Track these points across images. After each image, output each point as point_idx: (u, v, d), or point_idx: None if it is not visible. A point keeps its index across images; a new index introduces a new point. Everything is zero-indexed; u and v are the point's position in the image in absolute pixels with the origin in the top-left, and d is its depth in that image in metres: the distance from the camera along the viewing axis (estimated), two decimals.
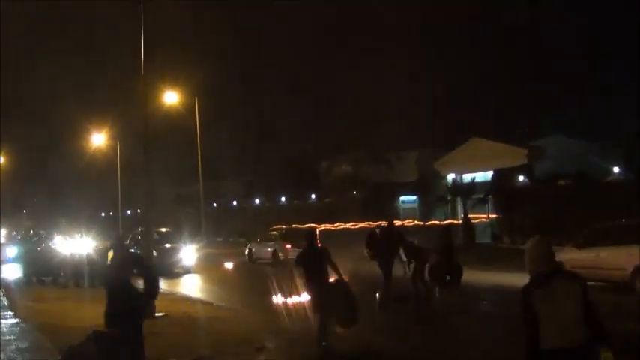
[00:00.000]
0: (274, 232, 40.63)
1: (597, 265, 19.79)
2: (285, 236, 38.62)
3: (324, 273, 12.73)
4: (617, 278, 19.23)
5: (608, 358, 5.85)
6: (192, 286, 25.51)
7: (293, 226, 47.52)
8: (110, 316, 9.57)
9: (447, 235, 21.24)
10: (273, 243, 38.58)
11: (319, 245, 13.46)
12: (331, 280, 12.80)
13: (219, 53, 76.83)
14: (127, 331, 9.31)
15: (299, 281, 13.22)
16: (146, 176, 19.44)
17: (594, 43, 72.74)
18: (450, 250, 20.25)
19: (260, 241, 40.57)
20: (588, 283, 6.14)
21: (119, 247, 11.31)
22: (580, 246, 21.15)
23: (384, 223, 21.77)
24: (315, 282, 12.65)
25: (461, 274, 20.09)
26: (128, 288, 9.72)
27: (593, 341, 5.90)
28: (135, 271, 10.31)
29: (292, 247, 34.49)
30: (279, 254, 36.70)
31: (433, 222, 49.13)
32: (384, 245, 19.58)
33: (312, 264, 12.68)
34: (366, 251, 20.42)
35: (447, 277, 19.66)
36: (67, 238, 35.69)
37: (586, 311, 5.93)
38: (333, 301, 12.43)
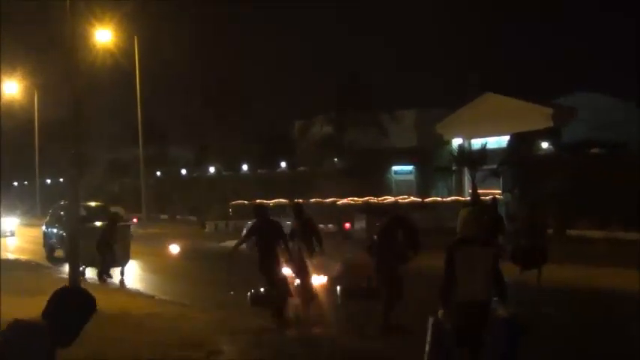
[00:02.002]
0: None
1: None
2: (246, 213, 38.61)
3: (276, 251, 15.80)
4: None
5: (506, 311, 9.04)
6: (129, 276, 25.52)
7: (257, 201, 47.60)
8: None
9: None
10: (233, 223, 38.73)
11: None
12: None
13: None
14: None
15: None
16: (73, 136, 19.35)
17: None
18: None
19: (216, 219, 40.67)
20: None
21: None
22: None
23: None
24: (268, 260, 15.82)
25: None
26: None
27: (498, 298, 9.04)
28: None
29: None
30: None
31: (434, 198, 49.37)
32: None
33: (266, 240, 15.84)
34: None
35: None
36: None
37: (495, 274, 9.05)
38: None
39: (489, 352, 9.16)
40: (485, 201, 44.76)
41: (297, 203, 20.18)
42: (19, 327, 5.55)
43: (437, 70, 64.23)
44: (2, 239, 41.30)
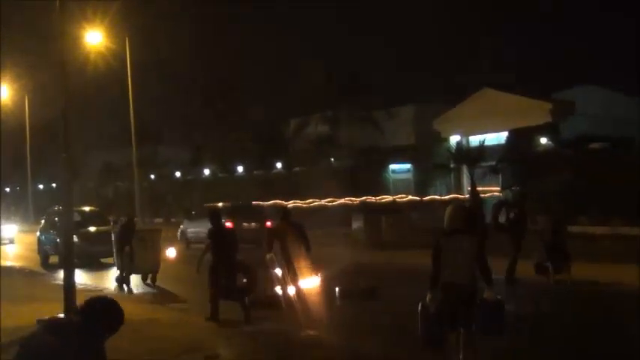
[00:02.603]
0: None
1: None
2: (231, 212, 38.46)
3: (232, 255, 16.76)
4: None
5: (489, 295, 10.57)
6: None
7: (254, 202, 47.59)
8: None
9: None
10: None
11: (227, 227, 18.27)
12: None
13: None
14: None
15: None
16: (65, 139, 19.27)
17: None
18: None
19: (194, 218, 40.49)
20: None
21: None
22: None
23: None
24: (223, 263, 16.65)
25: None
26: None
27: (485, 281, 10.58)
28: None
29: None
30: None
31: (432, 197, 49.35)
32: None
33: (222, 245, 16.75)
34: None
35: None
36: None
37: (479, 261, 10.56)
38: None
39: (478, 329, 10.66)
40: (486, 198, 44.97)
41: (285, 207, 21.28)
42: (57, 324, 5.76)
43: (434, 64, 64.31)
44: (1, 247, 41.21)
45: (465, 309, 10.50)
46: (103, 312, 6.30)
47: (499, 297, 10.93)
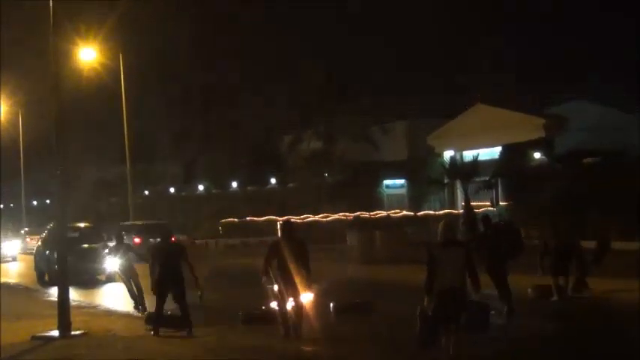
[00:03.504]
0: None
1: None
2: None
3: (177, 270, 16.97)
4: None
5: (478, 297, 12.74)
6: (116, 297, 25.35)
7: (248, 218, 47.59)
8: None
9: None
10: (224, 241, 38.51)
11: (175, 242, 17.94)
12: None
13: (154, 5, 76.07)
14: None
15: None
16: (58, 155, 19.22)
17: None
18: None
19: (206, 237, 40.55)
20: None
21: None
22: None
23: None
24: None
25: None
26: None
27: (473, 286, 12.43)
28: None
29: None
30: None
31: (426, 212, 49.34)
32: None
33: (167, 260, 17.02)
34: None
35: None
36: None
37: (469, 268, 12.29)
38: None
39: (467, 328, 12.42)
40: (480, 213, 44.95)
41: (287, 221, 20.15)
42: None
43: (427, 79, 64.43)
44: (2, 265, 40.90)
45: (457, 307, 12.24)
46: None
47: (486, 301, 13.21)
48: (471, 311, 12.65)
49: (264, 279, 15.84)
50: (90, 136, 70.07)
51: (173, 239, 19.90)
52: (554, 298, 20.16)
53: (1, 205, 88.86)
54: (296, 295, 15.56)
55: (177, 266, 16.98)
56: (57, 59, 18.92)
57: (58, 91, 18.77)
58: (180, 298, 16.89)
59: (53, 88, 18.74)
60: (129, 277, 21.82)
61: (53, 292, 24.65)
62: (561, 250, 20.64)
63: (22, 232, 61.19)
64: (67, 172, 20.33)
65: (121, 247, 22.20)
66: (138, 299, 21.57)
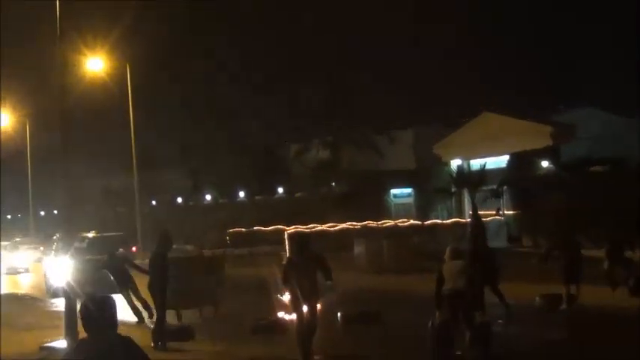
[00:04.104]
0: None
1: None
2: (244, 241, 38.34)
3: None
4: None
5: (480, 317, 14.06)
6: (126, 308, 25.29)
7: (255, 228, 47.54)
8: None
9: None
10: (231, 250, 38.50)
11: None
12: None
13: (160, 16, 76.18)
14: None
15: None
16: (64, 164, 19.23)
17: None
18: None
19: (213, 247, 40.38)
20: None
21: None
22: None
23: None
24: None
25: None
26: None
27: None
28: None
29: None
30: None
31: (434, 221, 49.22)
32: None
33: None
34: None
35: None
36: None
37: (469, 274, 14.19)
38: None
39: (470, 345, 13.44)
40: (487, 222, 44.92)
41: (302, 237, 18.85)
42: None
43: (434, 87, 64.37)
44: (14, 276, 40.74)
45: (465, 307, 13.83)
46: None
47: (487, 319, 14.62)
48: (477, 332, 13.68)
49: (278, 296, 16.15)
50: (97, 146, 70.13)
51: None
52: (564, 306, 20.08)
53: (9, 216, 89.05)
54: (313, 313, 14.98)
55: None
56: (63, 69, 18.96)
57: (64, 101, 18.80)
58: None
59: (59, 98, 18.76)
60: (127, 289, 21.66)
61: (61, 302, 24.66)
62: (571, 258, 20.56)
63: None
64: (72, 181, 20.34)
65: (116, 260, 22.10)
66: (141, 312, 21.43)
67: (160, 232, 18.00)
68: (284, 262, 16.23)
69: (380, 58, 68.71)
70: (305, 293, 14.77)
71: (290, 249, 15.81)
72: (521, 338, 16.94)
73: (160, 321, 17.01)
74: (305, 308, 14.87)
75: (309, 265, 14.97)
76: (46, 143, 50.14)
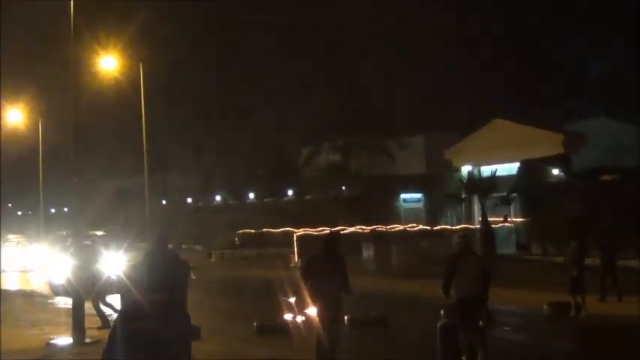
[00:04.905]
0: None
1: None
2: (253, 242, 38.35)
3: None
4: None
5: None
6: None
7: (264, 229, 47.56)
8: None
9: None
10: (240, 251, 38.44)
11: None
12: None
13: (173, 18, 76.34)
14: None
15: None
16: (75, 163, 19.27)
17: None
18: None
19: (223, 248, 40.38)
20: None
21: None
22: None
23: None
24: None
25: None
26: None
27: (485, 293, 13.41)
28: None
29: None
30: None
31: (443, 226, 49.20)
32: None
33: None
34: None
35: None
36: None
37: (483, 276, 13.34)
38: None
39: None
40: (497, 228, 44.87)
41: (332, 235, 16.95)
42: None
43: (446, 94, 64.44)
44: (25, 274, 40.67)
45: (476, 315, 13.36)
46: None
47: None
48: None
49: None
50: (108, 145, 70.29)
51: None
52: (573, 313, 20.09)
53: (19, 213, 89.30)
54: (338, 321, 13.98)
55: None
56: (76, 68, 19.00)
57: (77, 100, 18.85)
58: None
59: (72, 97, 18.81)
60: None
61: (68, 300, 24.73)
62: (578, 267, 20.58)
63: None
64: (84, 180, 20.36)
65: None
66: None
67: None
68: (306, 259, 15.46)
69: (393, 63, 68.71)
70: (329, 298, 13.50)
71: (321, 248, 14.12)
72: (526, 345, 16.92)
73: None
74: (324, 316, 13.53)
75: (335, 269, 13.71)
76: (58, 141, 50.17)
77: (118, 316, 11.87)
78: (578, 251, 21.02)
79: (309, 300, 13.75)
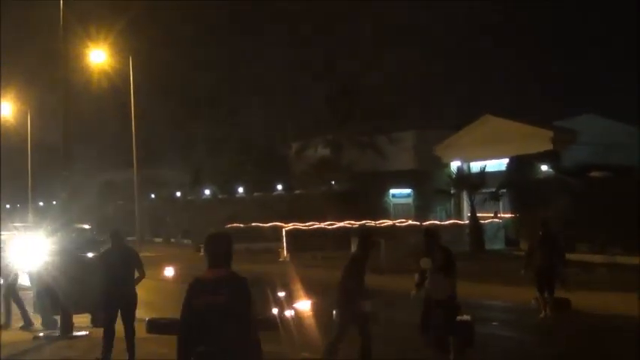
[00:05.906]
0: None
1: None
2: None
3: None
4: None
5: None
6: None
7: (253, 224, 47.60)
8: None
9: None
10: None
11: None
12: None
13: (163, 13, 76.32)
14: None
15: None
16: (64, 156, 19.27)
17: None
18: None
19: None
20: None
21: None
22: None
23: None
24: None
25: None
26: None
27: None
28: None
29: None
30: None
31: (432, 222, 49.27)
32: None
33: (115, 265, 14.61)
34: None
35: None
36: None
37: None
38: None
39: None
40: (485, 224, 44.96)
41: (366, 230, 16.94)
42: None
43: (436, 90, 64.72)
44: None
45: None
46: None
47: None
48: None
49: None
50: (97, 140, 70.25)
51: None
52: (542, 315, 19.92)
53: (7, 205, 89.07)
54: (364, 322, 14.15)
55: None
56: (66, 60, 18.98)
57: (67, 94, 18.84)
58: None
59: (61, 88, 18.80)
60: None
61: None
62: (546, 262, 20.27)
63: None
64: (72, 173, 20.34)
65: None
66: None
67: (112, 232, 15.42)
68: (350, 259, 15.06)
69: (384, 58, 68.85)
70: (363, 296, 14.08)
71: (357, 245, 14.22)
72: (512, 339, 16.99)
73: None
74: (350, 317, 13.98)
75: (365, 265, 14.41)
76: (47, 133, 50.19)
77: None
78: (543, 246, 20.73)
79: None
